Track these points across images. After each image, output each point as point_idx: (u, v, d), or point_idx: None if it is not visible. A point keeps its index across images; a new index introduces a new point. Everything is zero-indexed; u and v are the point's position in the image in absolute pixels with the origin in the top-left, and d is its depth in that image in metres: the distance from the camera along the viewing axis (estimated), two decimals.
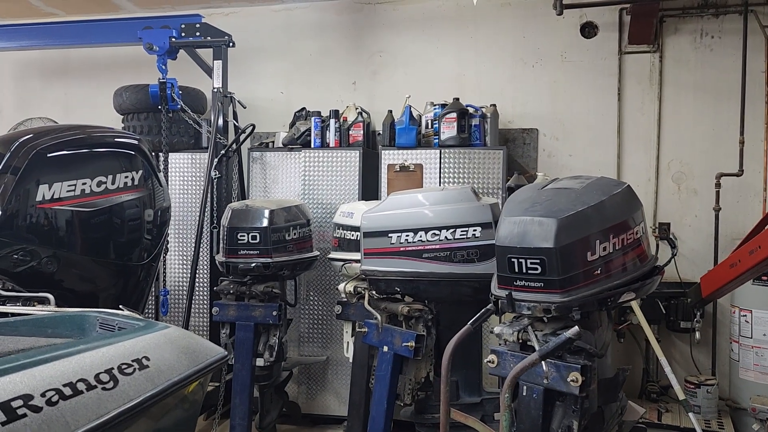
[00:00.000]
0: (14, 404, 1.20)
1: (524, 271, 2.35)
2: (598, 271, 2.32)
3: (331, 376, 4.73)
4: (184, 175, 4.97)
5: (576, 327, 2.04)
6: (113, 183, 2.92)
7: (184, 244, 4.93)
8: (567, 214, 2.30)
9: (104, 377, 1.44)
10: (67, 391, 1.32)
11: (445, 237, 2.96)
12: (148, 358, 1.62)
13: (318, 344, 4.74)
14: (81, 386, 1.36)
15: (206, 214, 4.66)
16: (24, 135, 2.84)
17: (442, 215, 3.00)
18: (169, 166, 4.91)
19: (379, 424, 3.15)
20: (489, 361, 2.48)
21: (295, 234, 3.96)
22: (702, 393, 4.05)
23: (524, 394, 2.35)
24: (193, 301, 4.68)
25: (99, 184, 2.86)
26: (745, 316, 4.06)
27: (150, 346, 1.68)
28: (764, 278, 3.96)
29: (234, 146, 4.81)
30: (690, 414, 3.63)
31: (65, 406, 1.29)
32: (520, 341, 2.43)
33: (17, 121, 5.58)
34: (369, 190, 4.63)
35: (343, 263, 3.72)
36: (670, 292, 4.37)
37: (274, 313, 3.82)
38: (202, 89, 5.18)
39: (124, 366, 1.52)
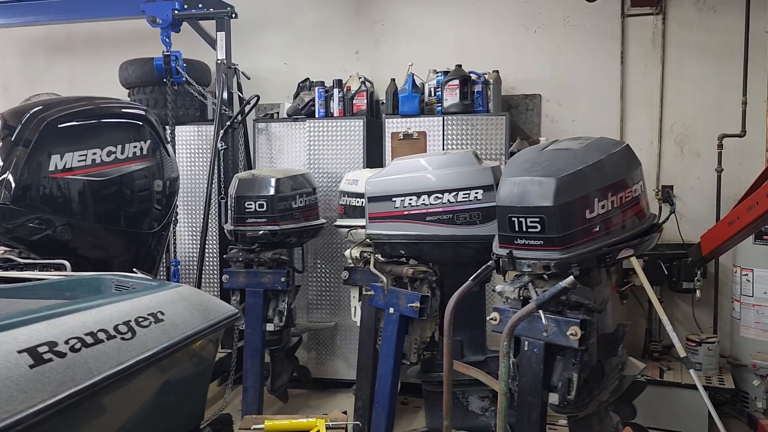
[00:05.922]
0: (40, 350, 1.28)
1: (524, 229, 2.41)
2: (597, 229, 2.37)
3: (340, 342, 4.84)
4: (191, 147, 5.04)
5: (571, 276, 2.10)
6: (122, 153, 3.00)
7: (193, 216, 5.01)
8: (566, 173, 2.35)
9: (122, 328, 1.52)
10: (89, 339, 1.41)
11: (448, 200, 3.02)
12: (162, 313, 1.70)
13: (326, 311, 4.84)
14: (101, 336, 1.45)
15: (214, 185, 4.73)
16: (34, 107, 2.90)
17: (444, 179, 3.06)
18: (176, 138, 4.96)
19: (386, 382, 3.25)
20: (491, 319, 2.56)
21: (301, 202, 4.04)
22: (703, 350, 4.13)
23: (525, 349, 2.43)
24: (203, 271, 4.79)
25: (109, 153, 2.94)
26: (747, 275, 4.12)
27: (164, 302, 1.76)
28: (765, 237, 4.01)
29: (239, 118, 4.85)
30: (691, 370, 3.70)
31: (88, 353, 1.37)
32: (521, 298, 2.51)
33: (24, 97, 5.63)
34: (373, 158, 4.68)
35: (348, 229, 3.80)
36: (672, 253, 4.42)
37: (283, 279, 3.92)
38: (206, 62, 5.21)
39: (140, 319, 1.61)
